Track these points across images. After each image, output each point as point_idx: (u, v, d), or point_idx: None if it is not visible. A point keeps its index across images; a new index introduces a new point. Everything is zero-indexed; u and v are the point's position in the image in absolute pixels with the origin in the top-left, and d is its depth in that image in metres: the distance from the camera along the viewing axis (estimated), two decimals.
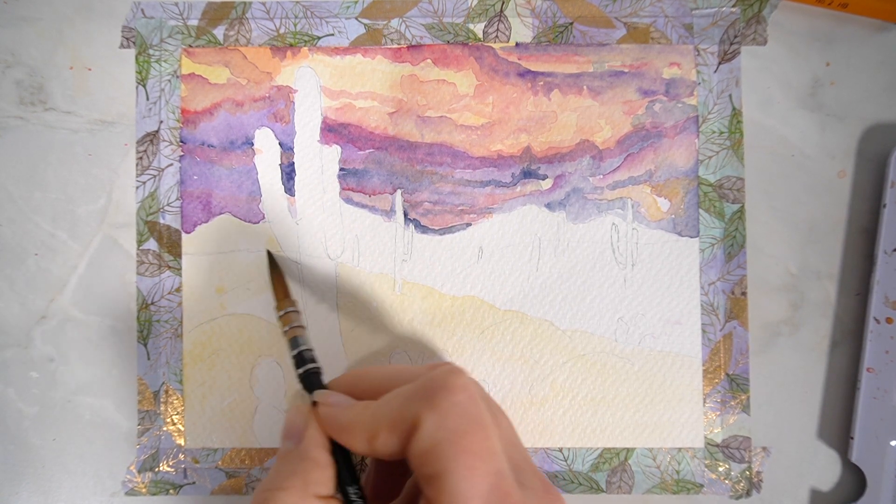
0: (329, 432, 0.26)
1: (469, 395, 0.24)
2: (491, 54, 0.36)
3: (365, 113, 0.36)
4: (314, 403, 0.27)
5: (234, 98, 0.36)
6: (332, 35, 0.36)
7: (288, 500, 0.24)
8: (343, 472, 0.26)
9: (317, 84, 0.36)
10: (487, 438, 0.23)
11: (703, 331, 0.35)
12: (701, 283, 0.35)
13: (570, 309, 0.35)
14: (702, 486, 0.35)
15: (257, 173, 0.36)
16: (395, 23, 0.36)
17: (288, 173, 0.36)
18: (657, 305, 0.35)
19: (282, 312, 0.31)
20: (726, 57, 0.35)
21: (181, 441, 0.35)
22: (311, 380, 0.29)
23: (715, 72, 0.35)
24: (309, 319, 0.35)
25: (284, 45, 0.36)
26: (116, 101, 0.36)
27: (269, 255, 0.35)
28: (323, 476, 0.25)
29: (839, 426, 0.35)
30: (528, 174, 0.36)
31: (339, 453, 0.26)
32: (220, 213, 0.36)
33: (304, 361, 0.29)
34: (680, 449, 0.35)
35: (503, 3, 0.36)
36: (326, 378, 0.29)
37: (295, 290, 0.35)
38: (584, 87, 0.36)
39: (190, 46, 0.36)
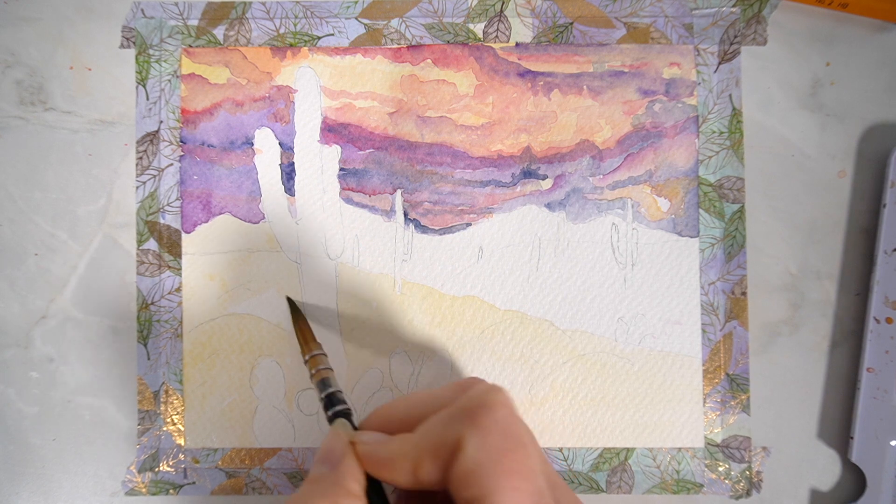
0: (370, 469, 0.26)
1: (509, 412, 0.23)
2: (491, 54, 0.36)
3: (365, 113, 0.36)
4: (352, 444, 0.27)
5: (234, 98, 0.36)
6: (332, 35, 0.36)
7: None
8: None
9: (317, 84, 0.36)
10: (529, 457, 0.23)
11: (703, 331, 0.35)
12: (701, 283, 0.35)
13: (570, 309, 0.35)
14: (702, 486, 0.35)
15: (257, 173, 0.36)
16: (395, 23, 0.36)
17: (288, 173, 0.36)
18: (657, 305, 0.35)
19: (308, 356, 0.31)
20: (726, 57, 0.35)
21: (181, 441, 0.35)
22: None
23: (715, 72, 0.35)
24: (309, 319, 0.35)
25: (284, 45, 0.36)
26: (116, 101, 0.36)
27: (290, 302, 0.35)
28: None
29: (839, 426, 0.35)
30: (528, 174, 0.36)
31: (375, 495, 0.26)
32: (220, 213, 0.36)
33: (334, 402, 0.29)
34: (680, 449, 0.35)
35: (503, 3, 0.36)
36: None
37: (295, 290, 0.35)
38: (584, 87, 0.36)
39: (190, 46, 0.36)
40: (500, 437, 0.23)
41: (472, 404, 0.24)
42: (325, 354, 0.32)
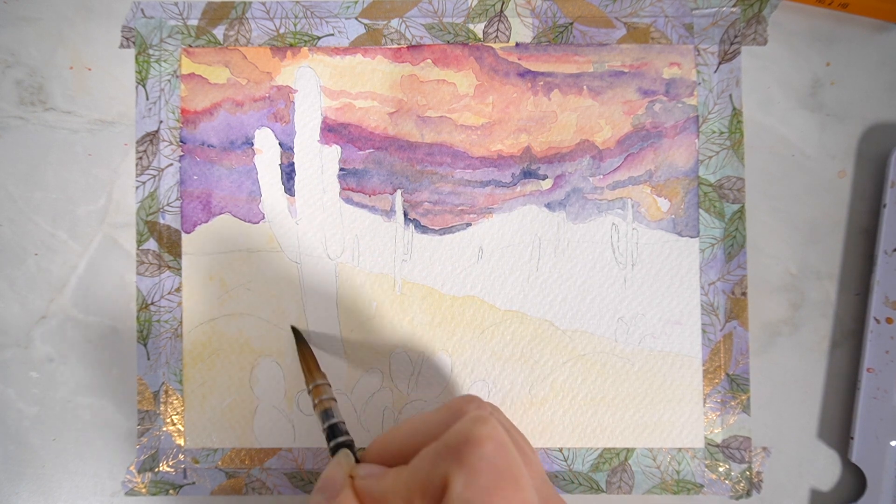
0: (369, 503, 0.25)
1: (497, 445, 0.23)
2: (491, 54, 0.36)
3: (365, 113, 0.36)
4: (351, 477, 0.26)
5: (234, 98, 0.36)
6: (332, 35, 0.36)
7: None
8: None
9: (317, 84, 0.36)
10: (520, 490, 0.22)
11: (703, 331, 0.35)
12: (701, 283, 0.35)
13: (570, 309, 0.35)
14: (702, 486, 0.35)
15: (257, 173, 0.36)
16: (395, 23, 0.36)
17: (288, 173, 0.36)
18: (657, 305, 0.35)
19: (312, 385, 0.31)
20: (726, 57, 0.35)
21: (181, 441, 0.35)
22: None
23: (715, 72, 0.35)
24: (309, 320, 0.35)
25: (284, 45, 0.36)
26: (116, 101, 0.36)
27: (295, 331, 0.35)
28: None
29: (839, 426, 0.35)
30: (528, 174, 0.36)
31: None
32: (220, 213, 0.36)
33: (336, 433, 0.29)
34: (680, 449, 0.35)
35: (503, 3, 0.36)
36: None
37: (295, 290, 0.35)
38: (584, 87, 0.36)
39: (190, 46, 0.36)
40: (487, 475, 0.22)
41: (458, 440, 0.23)
42: (329, 385, 0.32)
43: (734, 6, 0.35)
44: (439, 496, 0.22)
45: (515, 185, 0.36)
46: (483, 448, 0.22)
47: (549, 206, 0.35)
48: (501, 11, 0.36)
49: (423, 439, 0.25)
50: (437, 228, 0.36)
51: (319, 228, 0.36)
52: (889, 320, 0.34)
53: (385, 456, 0.27)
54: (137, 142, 0.36)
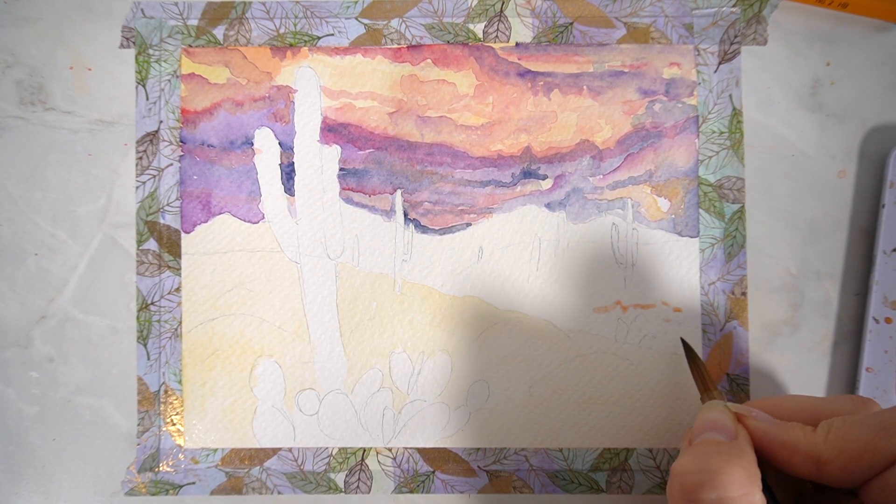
0: (763, 447, 0.26)
1: None
2: (491, 54, 0.36)
3: (365, 113, 0.36)
4: (738, 417, 0.27)
5: (233, 98, 0.36)
6: (332, 35, 0.36)
7: (741, 475, 0.24)
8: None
9: (317, 84, 0.36)
10: None
11: (704, 331, 0.35)
12: (701, 283, 0.35)
13: (570, 309, 0.35)
14: None
15: (257, 173, 0.36)
16: (395, 23, 0.36)
17: (288, 173, 0.36)
18: (657, 305, 0.35)
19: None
20: (726, 57, 0.35)
21: (181, 441, 0.35)
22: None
23: (715, 72, 0.35)
24: (308, 320, 0.35)
25: (284, 45, 0.36)
26: (116, 101, 0.36)
27: (685, 344, 0.33)
28: (758, 474, 0.25)
29: None
30: (528, 174, 0.36)
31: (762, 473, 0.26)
32: (220, 213, 0.36)
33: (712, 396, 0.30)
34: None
35: (503, 3, 0.36)
36: None
37: (295, 290, 0.35)
38: (584, 87, 0.36)
39: (190, 46, 0.36)
40: None
41: None
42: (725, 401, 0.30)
43: (734, 6, 0.35)
44: (876, 464, 0.23)
45: (515, 185, 0.36)
46: None
47: (549, 206, 0.35)
48: (501, 11, 0.36)
49: (822, 415, 0.26)
50: (437, 228, 0.36)
51: (319, 228, 0.36)
52: (888, 320, 0.34)
53: (773, 414, 0.27)
54: (137, 142, 0.36)
